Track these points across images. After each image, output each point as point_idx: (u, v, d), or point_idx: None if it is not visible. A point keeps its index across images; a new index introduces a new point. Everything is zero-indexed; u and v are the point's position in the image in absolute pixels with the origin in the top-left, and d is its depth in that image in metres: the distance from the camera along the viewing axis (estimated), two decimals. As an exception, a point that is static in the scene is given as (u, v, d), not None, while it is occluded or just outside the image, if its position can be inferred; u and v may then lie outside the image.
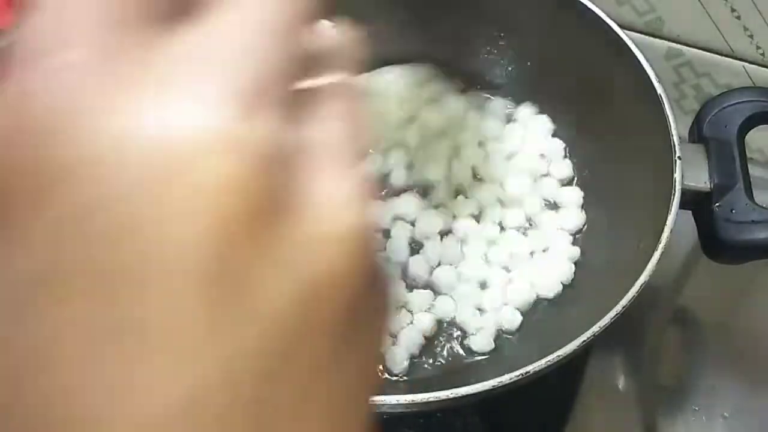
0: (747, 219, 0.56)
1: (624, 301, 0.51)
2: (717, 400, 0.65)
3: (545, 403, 0.63)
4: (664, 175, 0.58)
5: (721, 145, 0.59)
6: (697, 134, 0.61)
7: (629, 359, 0.67)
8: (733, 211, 0.57)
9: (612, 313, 0.50)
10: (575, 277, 0.63)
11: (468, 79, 0.73)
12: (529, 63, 0.72)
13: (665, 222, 0.55)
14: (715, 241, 0.57)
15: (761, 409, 0.65)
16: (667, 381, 0.68)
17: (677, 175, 0.57)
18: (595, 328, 0.50)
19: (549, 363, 0.49)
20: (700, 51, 0.74)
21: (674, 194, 0.56)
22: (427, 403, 0.49)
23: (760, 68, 0.72)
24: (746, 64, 0.73)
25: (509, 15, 0.70)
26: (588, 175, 0.68)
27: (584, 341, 0.50)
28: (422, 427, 0.61)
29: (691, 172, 0.58)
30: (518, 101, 0.73)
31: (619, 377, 0.66)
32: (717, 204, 0.57)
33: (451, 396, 0.48)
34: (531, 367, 0.49)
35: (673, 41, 0.74)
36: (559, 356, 0.49)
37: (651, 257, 0.53)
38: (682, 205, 0.56)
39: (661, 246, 0.53)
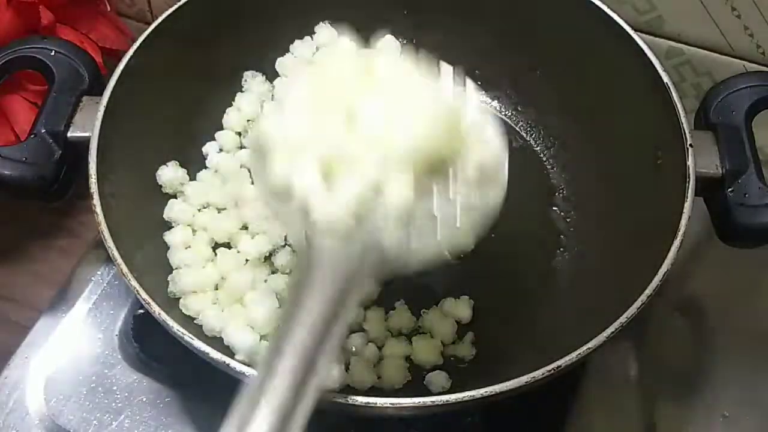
0: (761, 202, 0.56)
1: (648, 291, 0.51)
2: (718, 399, 0.65)
3: (546, 396, 0.61)
4: (674, 164, 0.58)
5: (730, 131, 0.59)
6: (704, 121, 0.61)
7: (633, 350, 0.67)
8: (747, 196, 0.57)
9: (638, 303, 0.51)
10: (593, 268, 0.63)
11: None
12: (528, 58, 0.73)
13: (682, 210, 0.55)
14: (730, 226, 0.57)
15: (762, 408, 0.65)
16: (670, 373, 0.68)
17: (690, 163, 0.57)
18: (623, 319, 0.50)
19: (579, 355, 0.49)
20: (701, 50, 0.74)
21: (689, 181, 0.56)
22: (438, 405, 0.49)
23: (761, 67, 0.72)
24: (746, 62, 0.73)
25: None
26: (593, 169, 0.69)
27: (612, 332, 0.50)
28: (424, 426, 0.61)
29: (702, 158, 0.58)
30: (521, 99, 0.74)
31: (622, 368, 0.66)
32: (730, 189, 0.57)
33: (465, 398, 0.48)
34: (562, 361, 0.49)
35: (674, 40, 0.74)
36: (589, 348, 0.49)
37: (670, 246, 0.53)
38: (695, 192, 0.56)
39: (680, 234, 0.54)
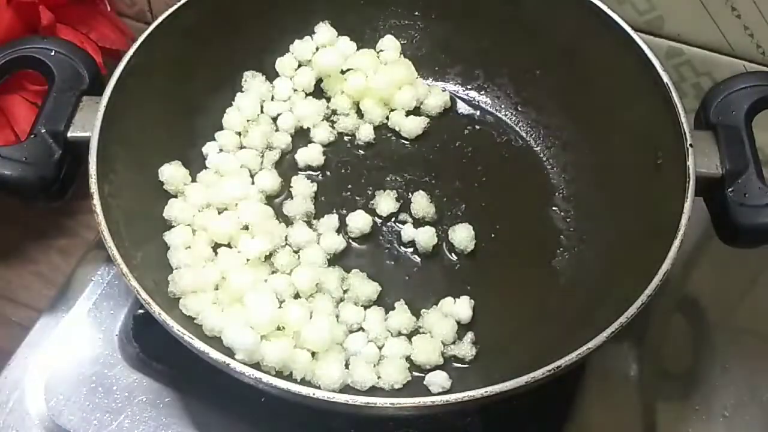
0: (761, 203, 0.56)
1: (648, 291, 0.51)
2: (718, 399, 0.65)
3: (546, 396, 0.61)
4: (674, 164, 0.58)
5: (730, 131, 0.59)
6: (704, 121, 0.61)
7: (633, 350, 0.67)
8: (747, 196, 0.57)
9: (638, 303, 0.51)
10: (593, 268, 0.63)
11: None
12: (528, 58, 0.73)
13: (682, 210, 0.55)
14: (730, 227, 0.57)
15: (762, 408, 0.65)
16: (670, 373, 0.68)
17: (690, 163, 0.57)
18: (623, 319, 0.50)
19: (579, 355, 0.49)
20: (701, 50, 0.74)
21: (689, 181, 0.56)
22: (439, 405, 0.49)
23: (761, 67, 0.73)
24: (746, 62, 0.73)
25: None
26: (593, 169, 0.68)
27: (612, 332, 0.50)
28: (424, 426, 0.61)
29: (702, 158, 0.58)
30: (521, 99, 0.74)
31: (622, 368, 0.66)
32: (730, 189, 0.57)
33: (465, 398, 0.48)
34: (562, 361, 0.49)
35: (674, 40, 0.74)
36: (589, 348, 0.49)
37: (670, 246, 0.53)
38: (695, 193, 0.56)
39: (680, 234, 0.54)
